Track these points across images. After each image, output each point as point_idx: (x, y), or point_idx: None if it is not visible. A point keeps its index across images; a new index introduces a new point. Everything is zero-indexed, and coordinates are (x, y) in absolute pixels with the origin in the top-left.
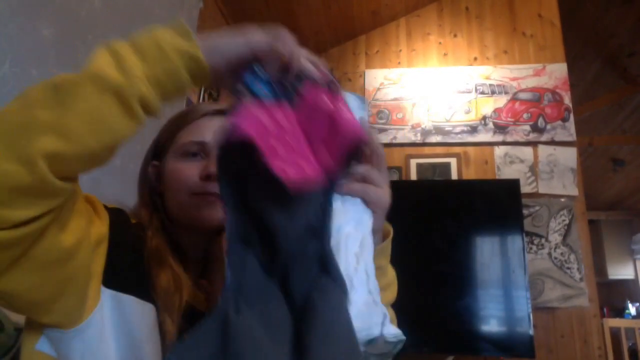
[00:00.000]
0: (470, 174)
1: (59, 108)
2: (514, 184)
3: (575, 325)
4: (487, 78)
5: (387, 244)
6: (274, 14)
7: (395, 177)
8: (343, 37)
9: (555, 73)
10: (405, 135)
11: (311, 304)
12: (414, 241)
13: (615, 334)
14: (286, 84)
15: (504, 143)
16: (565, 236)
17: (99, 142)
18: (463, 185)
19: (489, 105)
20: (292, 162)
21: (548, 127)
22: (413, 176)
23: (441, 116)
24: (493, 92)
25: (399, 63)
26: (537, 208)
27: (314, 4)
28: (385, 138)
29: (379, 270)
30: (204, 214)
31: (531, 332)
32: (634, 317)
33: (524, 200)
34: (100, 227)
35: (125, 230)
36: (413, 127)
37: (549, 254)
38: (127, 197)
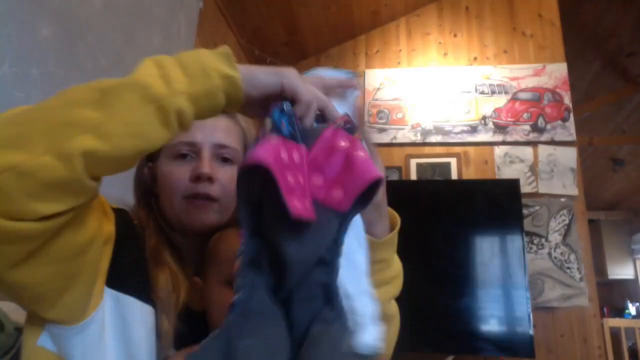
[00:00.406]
0: (470, 174)
1: (101, 110)
2: (514, 183)
3: (575, 325)
4: (487, 78)
5: (394, 236)
6: (274, 14)
7: (395, 177)
8: (343, 37)
9: (555, 73)
10: (405, 135)
11: (312, 335)
12: (413, 241)
13: (615, 333)
14: (307, 125)
15: (504, 143)
16: (565, 236)
17: (133, 147)
18: (463, 185)
19: (488, 105)
20: (299, 197)
21: (548, 127)
22: (413, 176)
23: (441, 116)
24: (493, 92)
25: (399, 63)
26: (537, 208)
27: (314, 4)
28: (385, 138)
29: (384, 263)
30: (195, 219)
31: (531, 332)
32: (634, 317)
33: (524, 200)
34: (108, 226)
35: (129, 231)
36: (413, 127)
37: (549, 254)
38: (127, 197)
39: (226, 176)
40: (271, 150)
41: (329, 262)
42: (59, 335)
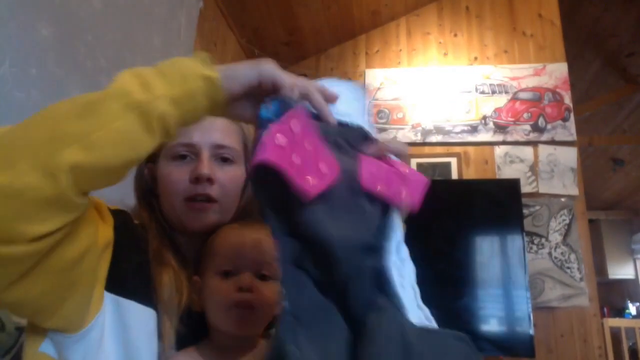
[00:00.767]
0: (470, 174)
1: (84, 120)
2: (514, 183)
3: (576, 325)
4: (487, 78)
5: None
6: (274, 14)
7: None
8: (343, 37)
9: (556, 73)
10: (406, 134)
11: (368, 327)
12: (413, 241)
13: (615, 333)
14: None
15: (504, 143)
16: (565, 236)
17: (119, 156)
18: (463, 185)
19: (489, 105)
20: (312, 167)
21: (548, 126)
22: None
23: (441, 116)
24: (493, 92)
25: (399, 63)
26: (537, 208)
27: (314, 4)
28: (385, 138)
29: None
30: (196, 220)
31: (531, 331)
32: (634, 317)
33: (524, 200)
34: (106, 232)
35: (130, 233)
36: (413, 127)
37: (549, 254)
38: (127, 197)
39: (226, 176)
40: (270, 146)
41: (377, 248)
42: (60, 343)
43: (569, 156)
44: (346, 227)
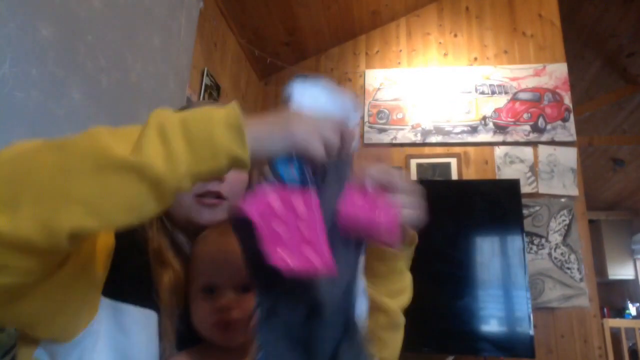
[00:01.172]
0: (470, 174)
1: (97, 184)
2: (514, 184)
3: (576, 325)
4: (487, 78)
5: (411, 251)
6: (274, 14)
7: None
8: (343, 37)
9: (556, 73)
10: (405, 135)
11: None
12: None
13: (615, 334)
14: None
15: (504, 143)
16: (565, 236)
17: (123, 221)
18: (463, 186)
19: (489, 105)
20: (297, 250)
21: (548, 127)
22: (413, 176)
23: (441, 116)
24: (493, 92)
25: (399, 63)
26: (537, 208)
27: (314, 4)
28: (385, 138)
29: (399, 275)
30: (205, 217)
31: (531, 332)
32: (634, 317)
33: (524, 200)
34: (106, 238)
35: (130, 235)
36: (413, 127)
37: (549, 254)
38: None
39: (234, 176)
40: (261, 201)
41: (351, 289)
42: (53, 350)
43: (569, 156)
44: (336, 282)
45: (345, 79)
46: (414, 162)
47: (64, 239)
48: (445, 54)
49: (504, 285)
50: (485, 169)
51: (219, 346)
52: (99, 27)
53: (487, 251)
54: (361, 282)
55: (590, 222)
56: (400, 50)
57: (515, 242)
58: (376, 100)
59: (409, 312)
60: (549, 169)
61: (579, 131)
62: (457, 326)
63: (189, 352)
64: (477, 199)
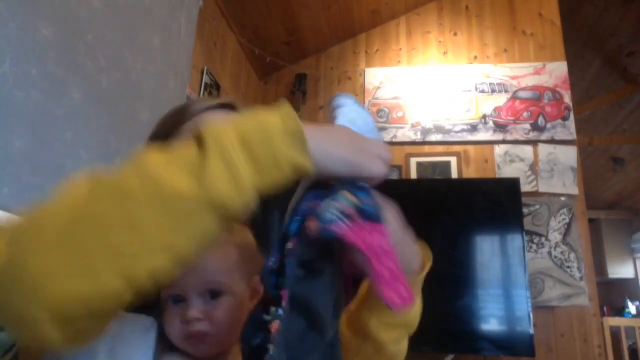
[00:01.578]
0: (470, 173)
1: (170, 232)
2: (514, 182)
3: (575, 324)
4: (487, 76)
5: (422, 277)
6: (274, 14)
7: (395, 176)
8: (343, 36)
9: (555, 72)
10: (405, 133)
11: None
12: None
13: (615, 333)
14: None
15: (504, 142)
16: (565, 235)
17: (197, 249)
18: (463, 184)
19: (489, 104)
20: (394, 286)
21: (548, 125)
22: (413, 175)
23: (441, 115)
24: (493, 91)
25: (399, 62)
26: (537, 207)
27: (313, 3)
28: (385, 137)
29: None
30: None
31: (531, 331)
32: (633, 316)
33: (524, 199)
34: None
35: None
36: (413, 126)
37: (549, 253)
38: None
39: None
40: (361, 236)
41: (340, 305)
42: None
43: (569, 155)
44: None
45: (345, 77)
46: (413, 161)
47: (146, 284)
48: (445, 53)
49: (504, 284)
50: (485, 167)
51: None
52: (99, 27)
53: (486, 250)
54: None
55: (590, 221)
56: (400, 49)
57: (515, 240)
58: (376, 98)
59: None
60: (549, 167)
61: (578, 131)
62: (457, 325)
63: (182, 352)
64: (477, 197)
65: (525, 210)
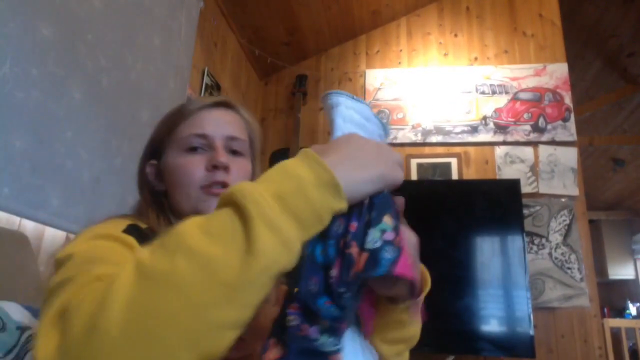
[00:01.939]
0: (470, 174)
1: (242, 308)
2: (514, 183)
3: (576, 325)
4: (488, 78)
5: (421, 299)
6: (274, 14)
7: None
8: (343, 37)
9: (556, 73)
10: (406, 135)
11: None
12: None
13: (615, 334)
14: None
15: (504, 143)
16: (565, 236)
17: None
18: (463, 185)
19: (489, 105)
20: (410, 265)
21: (548, 127)
22: (413, 176)
23: (442, 116)
24: (493, 92)
25: (400, 63)
26: (537, 208)
27: (314, 4)
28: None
29: (399, 324)
30: (213, 207)
31: (532, 332)
32: (634, 317)
33: (525, 200)
34: (130, 240)
35: (143, 241)
36: (413, 127)
37: (550, 254)
38: (127, 197)
39: (238, 166)
40: (406, 260)
41: None
42: None
43: (569, 156)
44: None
45: (346, 78)
46: (414, 162)
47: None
48: (446, 54)
49: (505, 285)
50: (486, 168)
51: None
52: (99, 27)
53: (487, 251)
54: None
55: (591, 222)
56: (401, 50)
57: (516, 242)
58: (376, 100)
59: None
60: (550, 168)
61: (579, 131)
62: (457, 326)
63: None
64: (477, 199)
65: (525, 211)
